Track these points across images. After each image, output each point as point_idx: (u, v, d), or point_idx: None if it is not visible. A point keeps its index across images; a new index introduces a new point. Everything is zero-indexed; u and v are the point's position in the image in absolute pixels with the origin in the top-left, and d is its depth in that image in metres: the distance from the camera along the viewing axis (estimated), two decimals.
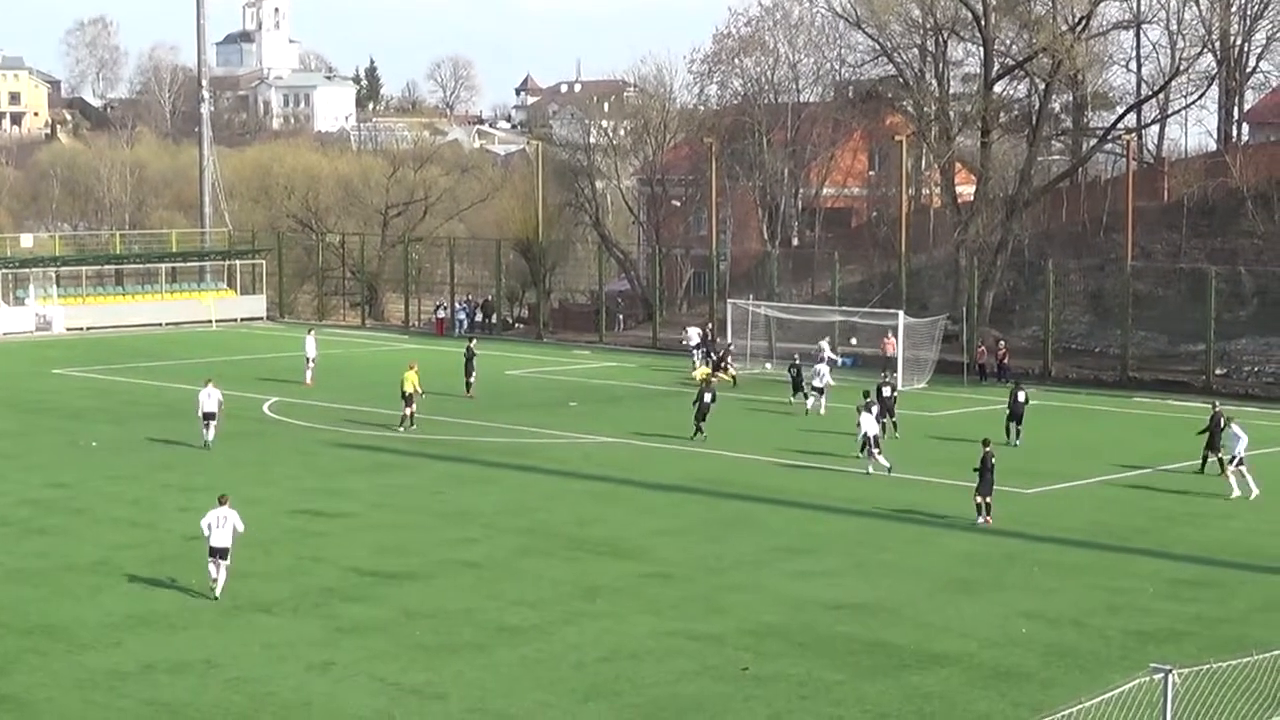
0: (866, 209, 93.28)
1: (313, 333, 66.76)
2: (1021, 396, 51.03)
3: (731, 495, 42.48)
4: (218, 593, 31.51)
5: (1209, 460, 45.12)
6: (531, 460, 46.90)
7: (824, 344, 64.06)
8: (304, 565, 34.46)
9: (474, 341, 64.22)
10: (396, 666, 27.31)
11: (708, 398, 51.56)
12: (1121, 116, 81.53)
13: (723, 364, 65.40)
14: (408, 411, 52.70)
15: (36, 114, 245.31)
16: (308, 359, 63.95)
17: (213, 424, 49.06)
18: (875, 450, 44.79)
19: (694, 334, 71.37)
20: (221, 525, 31.78)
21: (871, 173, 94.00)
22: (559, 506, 40.99)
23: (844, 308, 71.90)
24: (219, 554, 31.74)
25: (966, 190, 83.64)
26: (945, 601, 31.84)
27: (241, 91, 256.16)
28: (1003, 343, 67.90)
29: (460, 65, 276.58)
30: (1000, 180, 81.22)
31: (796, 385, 58.70)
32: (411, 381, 52.94)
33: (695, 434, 50.78)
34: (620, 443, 50.59)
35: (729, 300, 73.30)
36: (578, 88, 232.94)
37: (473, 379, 60.45)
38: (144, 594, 32.02)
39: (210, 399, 49.17)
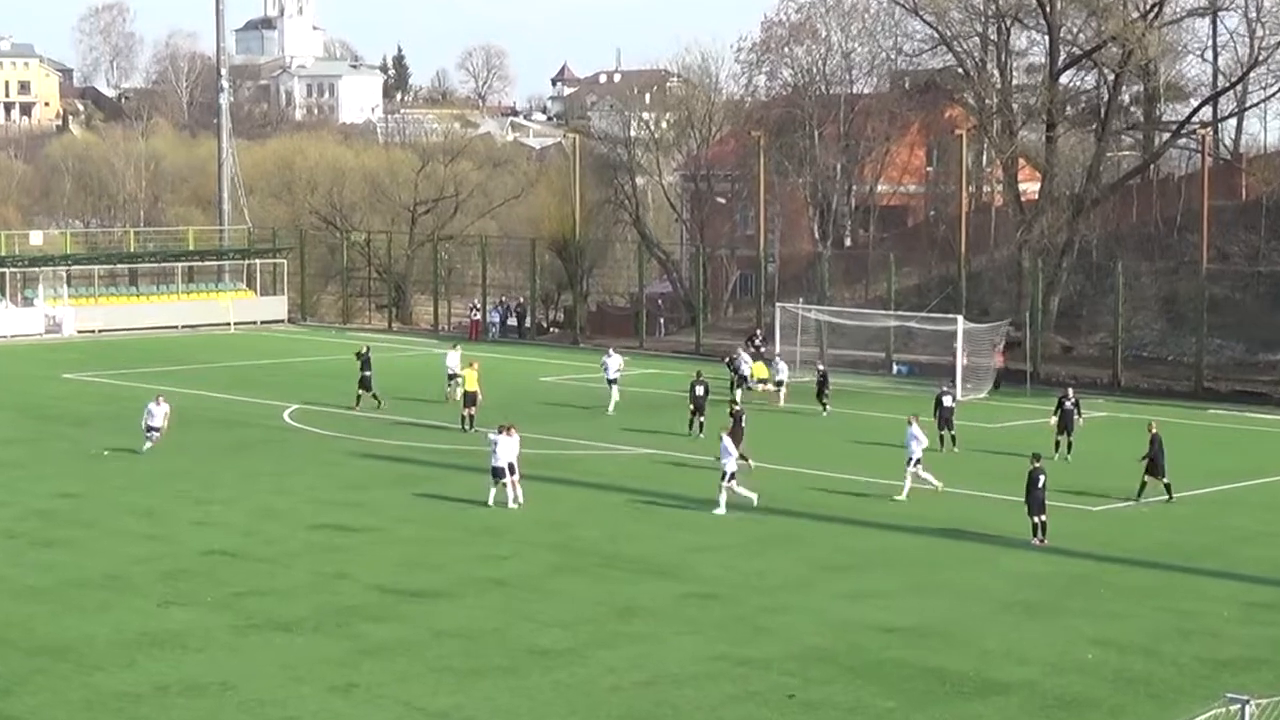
0: (924, 207, 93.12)
1: (458, 347, 64.34)
2: (1069, 404, 50.96)
3: (776, 510, 42.41)
4: (499, 503, 41.31)
5: (1146, 486, 43.73)
6: (564, 472, 46.91)
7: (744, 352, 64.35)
8: (325, 582, 34.58)
9: (367, 348, 61.73)
10: (423, 689, 27.36)
11: (699, 390, 53.37)
12: (1196, 109, 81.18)
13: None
14: (467, 413, 53.81)
15: (47, 104, 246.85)
16: (451, 374, 60.44)
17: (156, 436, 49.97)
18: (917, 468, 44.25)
19: (612, 363, 60.89)
20: (497, 452, 41.09)
21: (929, 169, 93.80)
22: (593, 521, 41.03)
23: (900, 312, 71.82)
24: (498, 473, 41.08)
25: (1030, 188, 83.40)
26: (1005, 625, 31.74)
27: (262, 81, 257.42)
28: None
29: (493, 54, 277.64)
30: (1066, 177, 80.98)
31: (820, 392, 59.08)
32: (472, 381, 54.03)
33: (692, 430, 52.47)
34: (658, 454, 50.59)
35: (777, 304, 73.18)
36: (617, 78, 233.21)
37: (374, 390, 58.92)
38: (157, 611, 32.16)
39: (159, 413, 50.19)
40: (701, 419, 53.02)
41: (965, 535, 39.79)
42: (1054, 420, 51.12)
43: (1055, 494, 40.48)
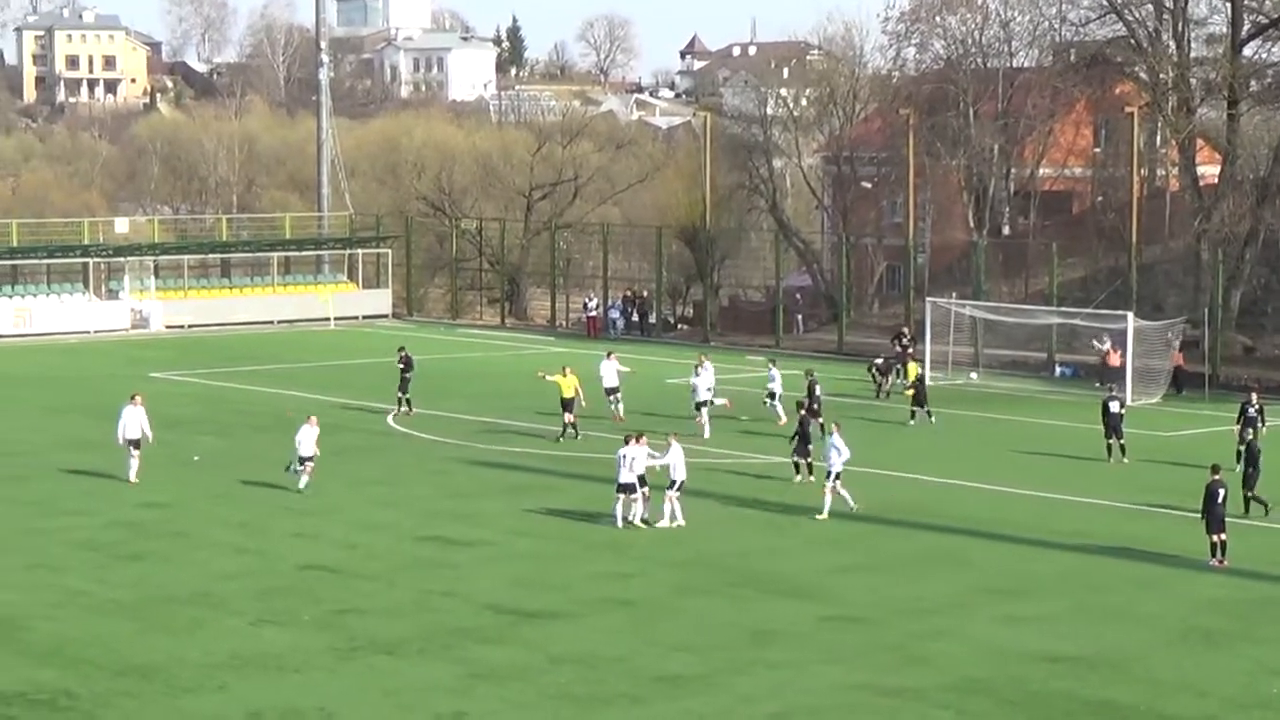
0: (1091, 193, 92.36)
1: (612, 355, 59.88)
2: (1253, 410, 50.27)
3: (929, 526, 42.26)
4: (636, 520, 41.06)
5: (1252, 502, 43.18)
6: (692, 482, 46.86)
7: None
8: (433, 600, 34.80)
9: (404, 349, 60.81)
10: (539, 719, 27.45)
11: (818, 390, 54.46)
12: None
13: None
14: (568, 420, 54.12)
15: (134, 81, 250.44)
16: (609, 389, 57.56)
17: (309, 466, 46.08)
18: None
19: (702, 382, 56.38)
20: (627, 464, 40.73)
21: (1097, 150, 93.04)
22: (725, 536, 41.04)
23: (1063, 308, 71.26)
24: (626, 489, 40.97)
25: (1210, 171, 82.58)
26: (1182, 655, 31.49)
27: (365, 55, 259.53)
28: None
29: (616, 24, 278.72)
30: (1250, 159, 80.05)
31: (919, 400, 58.22)
32: (571, 386, 54.12)
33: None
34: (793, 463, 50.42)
35: (928, 299, 72.82)
36: (752, 50, 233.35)
37: (409, 394, 58.89)
38: (251, 631, 32.52)
39: (310, 437, 46.11)
40: (819, 421, 52.33)
41: (1136, 555, 39.44)
42: (1236, 428, 50.58)
43: (1237, 510, 39.99)
